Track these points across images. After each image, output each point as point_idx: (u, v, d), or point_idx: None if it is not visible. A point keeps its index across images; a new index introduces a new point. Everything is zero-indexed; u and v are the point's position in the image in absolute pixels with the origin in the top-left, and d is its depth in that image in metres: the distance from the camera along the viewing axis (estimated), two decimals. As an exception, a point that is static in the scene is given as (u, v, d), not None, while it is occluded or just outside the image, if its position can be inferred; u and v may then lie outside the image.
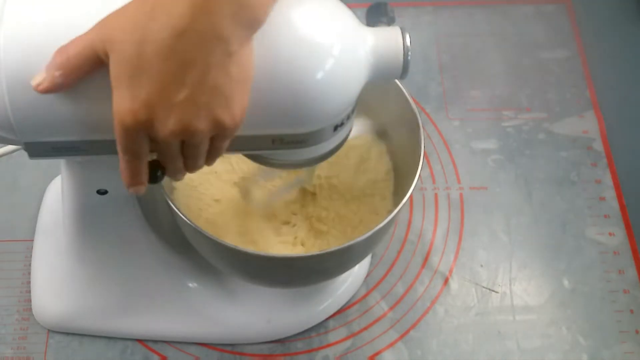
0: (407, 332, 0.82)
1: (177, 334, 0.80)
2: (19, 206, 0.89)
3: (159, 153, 0.51)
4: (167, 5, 0.45)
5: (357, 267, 0.81)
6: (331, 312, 0.82)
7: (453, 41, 1.04)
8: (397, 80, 0.69)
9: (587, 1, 1.08)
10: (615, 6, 1.08)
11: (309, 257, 0.66)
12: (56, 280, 0.79)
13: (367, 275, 0.85)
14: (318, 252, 0.65)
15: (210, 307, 0.79)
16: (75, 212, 0.69)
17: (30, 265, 0.84)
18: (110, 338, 0.81)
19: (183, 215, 0.63)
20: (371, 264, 0.86)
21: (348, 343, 0.81)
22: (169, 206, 0.65)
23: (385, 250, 0.87)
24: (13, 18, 0.50)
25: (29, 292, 0.82)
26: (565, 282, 0.86)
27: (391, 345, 0.81)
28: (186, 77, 0.46)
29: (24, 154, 0.55)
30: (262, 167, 0.61)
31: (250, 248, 0.69)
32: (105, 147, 0.53)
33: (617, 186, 0.92)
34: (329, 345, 0.81)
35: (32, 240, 0.85)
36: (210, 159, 0.52)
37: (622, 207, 0.91)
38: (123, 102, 0.46)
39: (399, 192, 0.73)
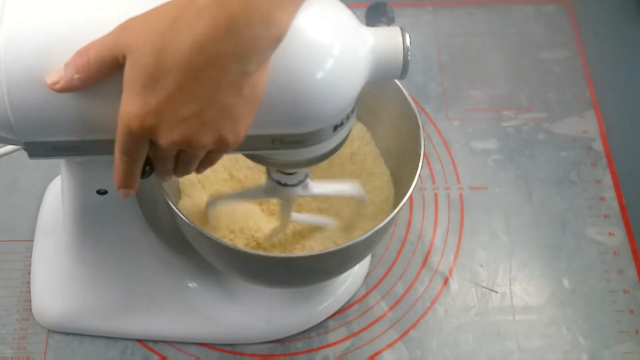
0: (407, 332, 0.82)
1: (177, 334, 0.80)
2: (19, 206, 0.89)
3: (154, 153, 0.51)
4: (189, 19, 0.45)
5: (357, 267, 0.81)
6: (331, 312, 0.82)
7: (453, 41, 1.04)
8: (397, 80, 0.69)
9: (587, 1, 1.08)
10: (615, 6, 1.08)
11: (309, 257, 0.66)
12: (56, 280, 0.79)
13: (367, 275, 0.85)
14: (318, 252, 0.65)
15: (210, 307, 0.79)
16: (75, 212, 0.69)
17: (30, 265, 0.84)
18: (110, 338, 0.81)
19: (183, 215, 0.64)
20: (371, 264, 0.86)
21: (348, 343, 0.81)
22: (169, 206, 0.65)
23: (385, 250, 0.87)
24: (13, 18, 0.50)
25: (29, 292, 0.82)
26: (565, 282, 0.86)
27: (391, 345, 0.81)
28: (198, 92, 0.46)
29: (24, 154, 0.55)
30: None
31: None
32: (105, 147, 0.53)
33: (617, 186, 0.92)
34: (328, 345, 0.81)
35: (32, 240, 0.85)
36: (202, 167, 0.52)
37: (622, 207, 0.91)
38: (132, 106, 0.47)
39: (398, 192, 0.73)
